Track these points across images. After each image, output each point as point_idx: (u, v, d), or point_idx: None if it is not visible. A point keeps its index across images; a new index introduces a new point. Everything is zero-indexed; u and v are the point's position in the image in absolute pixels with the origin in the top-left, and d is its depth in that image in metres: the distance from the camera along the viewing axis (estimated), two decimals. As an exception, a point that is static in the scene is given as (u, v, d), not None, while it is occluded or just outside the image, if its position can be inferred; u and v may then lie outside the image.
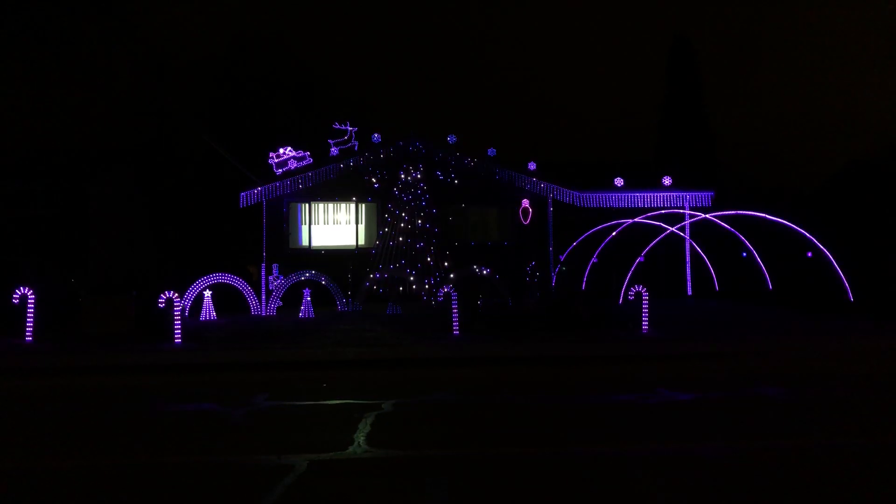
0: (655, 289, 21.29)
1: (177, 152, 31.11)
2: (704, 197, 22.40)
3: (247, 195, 21.09)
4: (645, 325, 12.88)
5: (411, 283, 19.22)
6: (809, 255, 18.60)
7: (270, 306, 17.50)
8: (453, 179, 21.66)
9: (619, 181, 21.89)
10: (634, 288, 13.16)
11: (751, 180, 35.80)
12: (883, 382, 8.95)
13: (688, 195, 22.37)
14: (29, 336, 12.65)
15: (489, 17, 69.05)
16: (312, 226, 21.61)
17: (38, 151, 25.93)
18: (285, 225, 21.33)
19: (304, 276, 17.68)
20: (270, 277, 18.35)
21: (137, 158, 27.49)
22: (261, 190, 21.04)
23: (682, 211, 22.53)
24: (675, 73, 35.26)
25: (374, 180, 21.43)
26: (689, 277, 22.27)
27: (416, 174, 21.25)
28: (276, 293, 17.63)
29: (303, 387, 9.13)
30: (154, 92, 33.85)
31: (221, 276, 16.96)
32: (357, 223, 21.74)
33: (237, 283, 17.23)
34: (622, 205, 22.04)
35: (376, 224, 21.46)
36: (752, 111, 58.49)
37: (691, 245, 22.32)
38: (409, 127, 21.54)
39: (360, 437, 6.32)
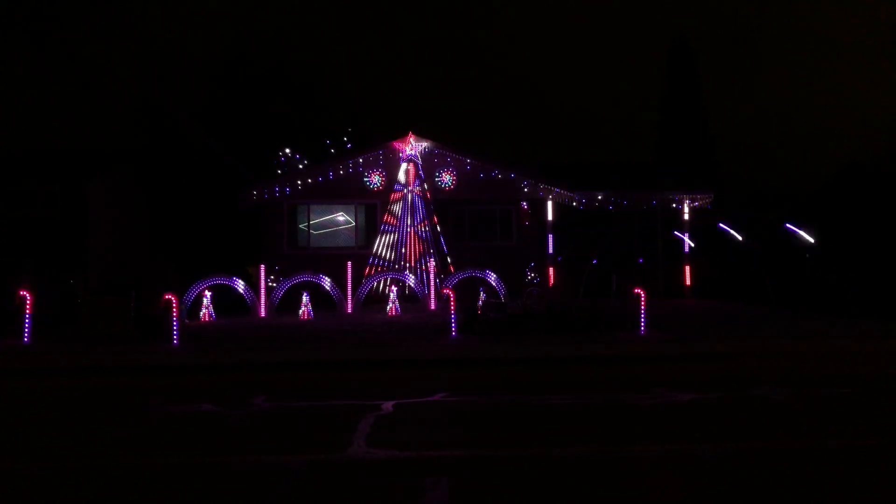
0: (654, 289, 21.32)
1: (177, 152, 31.09)
2: (704, 197, 22.39)
3: (246, 196, 21.08)
4: (644, 325, 12.88)
5: (410, 284, 19.21)
6: (808, 255, 18.61)
7: (270, 307, 17.47)
8: (452, 180, 21.66)
9: (618, 181, 21.88)
10: (634, 288, 13.16)
11: (750, 181, 35.84)
12: (882, 384, 8.96)
13: (687, 196, 22.37)
14: (27, 337, 12.63)
15: (489, 18, 69.06)
16: (312, 227, 21.61)
17: (38, 151, 25.90)
18: (284, 226, 21.32)
19: (304, 278, 17.66)
20: (270, 278, 18.32)
21: (137, 158, 27.47)
22: (260, 191, 21.04)
23: (681, 212, 22.54)
24: (675, 73, 35.30)
25: (373, 181, 21.43)
26: (688, 278, 22.27)
27: (416, 174, 21.25)
28: (276, 294, 17.61)
29: (302, 388, 9.13)
30: (154, 92, 33.83)
31: (220, 277, 16.94)
32: (356, 224, 21.73)
33: (236, 284, 17.20)
34: (621, 205, 22.03)
35: (375, 225, 21.45)
36: (752, 112, 58.54)
37: (690, 245, 22.33)
38: (409, 127, 21.51)
39: (360, 438, 6.32)
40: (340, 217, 21.77)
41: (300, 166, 22.11)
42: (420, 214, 21.05)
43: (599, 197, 21.82)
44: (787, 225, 17.55)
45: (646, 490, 5.01)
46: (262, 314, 17.30)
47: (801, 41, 64.24)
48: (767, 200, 29.81)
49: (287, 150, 23.20)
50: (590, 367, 10.39)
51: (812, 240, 17.56)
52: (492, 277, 18.60)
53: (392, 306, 17.42)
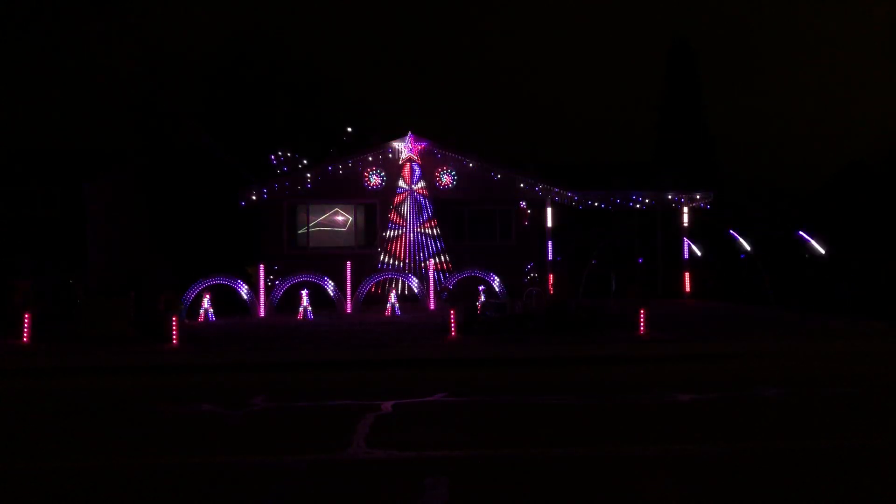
0: (654, 289, 21.34)
1: (177, 152, 31.06)
2: (703, 198, 22.39)
3: (246, 196, 21.06)
4: (643, 326, 12.88)
5: (410, 284, 19.21)
6: (808, 255, 18.61)
7: (269, 307, 17.47)
8: (452, 180, 21.66)
9: (617, 182, 21.87)
10: (633, 289, 13.16)
11: (750, 181, 35.81)
12: (882, 384, 8.96)
13: (686, 196, 22.36)
14: (27, 337, 12.63)
15: (489, 18, 69.08)
16: (311, 226, 21.60)
17: (38, 151, 25.87)
18: (284, 226, 21.31)
19: (303, 278, 17.66)
20: (269, 278, 18.32)
21: (137, 158, 27.44)
22: (260, 191, 21.02)
23: (681, 212, 22.54)
24: (675, 73, 35.29)
25: (372, 180, 21.42)
26: (687, 278, 22.27)
27: (415, 174, 21.25)
28: (275, 294, 17.61)
29: (301, 388, 9.13)
30: (154, 92, 33.82)
31: (220, 277, 16.93)
32: (356, 224, 21.72)
33: (236, 284, 17.20)
34: (621, 206, 22.02)
35: (375, 225, 21.45)
36: (752, 112, 58.58)
37: (690, 246, 22.32)
38: (409, 127, 21.51)
39: (360, 438, 6.31)
40: (340, 217, 21.76)
41: (300, 166, 22.05)
42: (420, 214, 21.05)
43: (599, 197, 21.80)
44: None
45: (646, 490, 5.01)
46: (262, 314, 17.30)
47: (801, 41, 64.28)
48: (767, 200, 29.82)
49: (287, 150, 23.15)
50: (589, 367, 10.39)
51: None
52: (492, 277, 18.60)
53: (392, 306, 17.41)
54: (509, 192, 21.77)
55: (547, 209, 21.84)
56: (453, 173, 21.66)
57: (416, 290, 18.97)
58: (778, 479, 5.16)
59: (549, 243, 21.75)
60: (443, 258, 20.75)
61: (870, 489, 4.99)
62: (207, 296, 16.62)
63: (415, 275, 19.90)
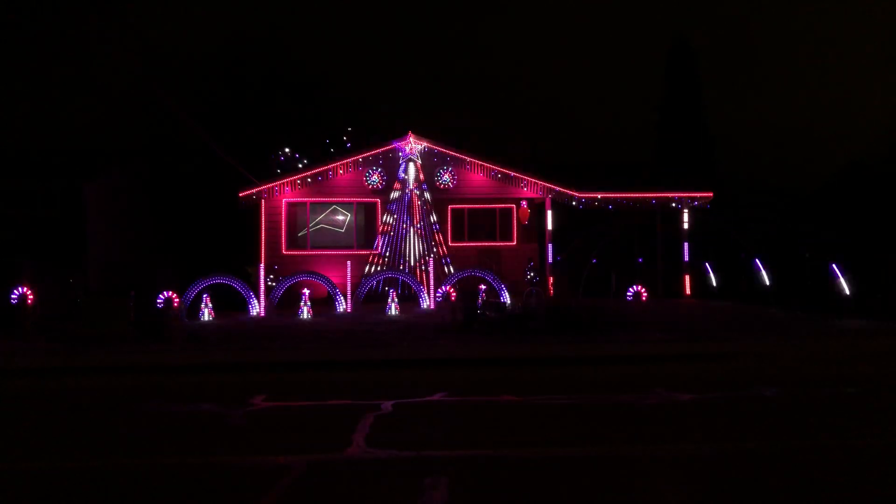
0: (654, 289, 21.32)
1: (177, 152, 31.04)
2: (703, 198, 22.37)
3: (246, 196, 21.05)
4: (644, 325, 12.88)
5: (410, 284, 19.20)
6: (807, 255, 18.61)
7: (269, 307, 17.47)
8: (452, 179, 21.65)
9: (617, 182, 21.84)
10: (633, 288, 13.16)
11: (750, 181, 35.74)
12: (883, 384, 8.95)
13: (686, 196, 22.34)
14: (27, 336, 12.62)
15: (490, 18, 69.04)
16: (311, 226, 21.59)
17: (38, 151, 25.86)
18: (284, 225, 21.30)
19: (303, 277, 17.66)
20: (269, 278, 18.31)
21: (137, 158, 27.44)
22: (260, 191, 21.02)
23: (680, 212, 22.52)
24: (675, 73, 35.22)
25: (372, 180, 21.41)
26: (687, 278, 22.26)
27: (415, 174, 21.25)
28: (275, 294, 17.60)
29: (301, 387, 9.13)
30: (154, 91, 33.77)
31: (220, 277, 16.93)
32: (356, 223, 21.71)
33: (236, 283, 17.19)
34: (621, 205, 22.01)
35: (375, 224, 21.44)
36: (752, 112, 58.54)
37: (690, 245, 22.31)
38: (408, 127, 21.50)
39: (360, 438, 6.31)
40: (340, 216, 21.75)
41: (300, 166, 22.07)
42: (419, 214, 21.04)
43: (599, 197, 21.78)
44: (785, 226, 17.53)
45: (646, 490, 5.01)
46: (262, 314, 17.29)
47: (801, 41, 64.23)
48: (767, 200, 29.80)
49: (287, 150, 23.17)
50: (589, 366, 10.38)
51: (811, 239, 17.48)
52: (492, 277, 18.59)
53: (391, 306, 17.40)
54: (509, 192, 21.77)
55: (547, 209, 21.83)
56: (453, 173, 21.65)
57: (415, 290, 18.96)
58: (778, 479, 5.16)
59: (550, 243, 21.74)
60: (443, 258, 20.73)
61: (871, 489, 4.98)
62: (207, 295, 16.61)
63: (415, 274, 19.88)
